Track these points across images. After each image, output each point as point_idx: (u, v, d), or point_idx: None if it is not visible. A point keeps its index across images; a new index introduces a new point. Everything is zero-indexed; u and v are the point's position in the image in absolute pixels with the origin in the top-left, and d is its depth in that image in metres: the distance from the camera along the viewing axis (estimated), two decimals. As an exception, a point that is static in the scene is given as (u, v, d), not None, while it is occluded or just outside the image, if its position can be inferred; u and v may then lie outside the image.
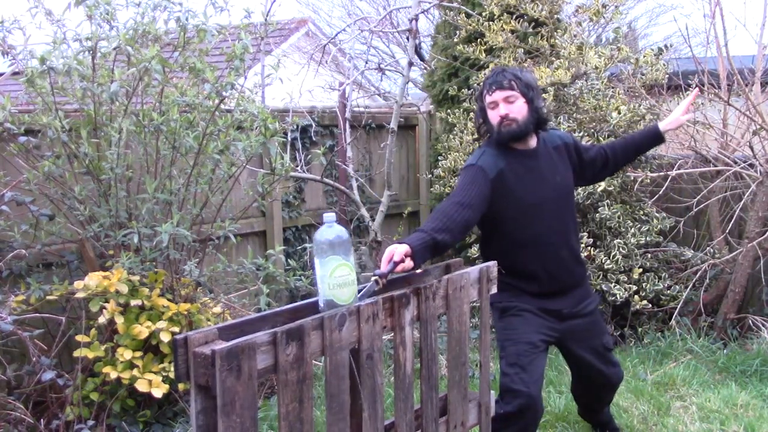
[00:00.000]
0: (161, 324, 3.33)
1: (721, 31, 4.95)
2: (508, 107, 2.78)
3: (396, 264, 2.26)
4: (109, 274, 3.32)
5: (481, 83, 2.91)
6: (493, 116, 2.82)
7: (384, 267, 2.24)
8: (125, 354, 3.27)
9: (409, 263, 2.29)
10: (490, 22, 5.25)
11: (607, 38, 5.77)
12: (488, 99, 2.82)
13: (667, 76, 5.03)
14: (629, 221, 4.90)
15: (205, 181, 3.74)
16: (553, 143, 2.99)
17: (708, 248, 5.02)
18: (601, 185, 4.72)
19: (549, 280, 2.90)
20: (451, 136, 5.52)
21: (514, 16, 5.26)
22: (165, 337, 3.30)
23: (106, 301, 3.30)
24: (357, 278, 2.11)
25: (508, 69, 2.83)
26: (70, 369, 3.46)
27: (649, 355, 4.65)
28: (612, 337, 3.24)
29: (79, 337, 3.29)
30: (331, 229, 2.04)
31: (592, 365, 3.11)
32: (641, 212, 5.03)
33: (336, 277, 2.01)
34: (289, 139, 4.59)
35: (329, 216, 2.06)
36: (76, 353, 3.26)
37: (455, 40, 5.55)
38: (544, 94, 4.92)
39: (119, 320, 3.28)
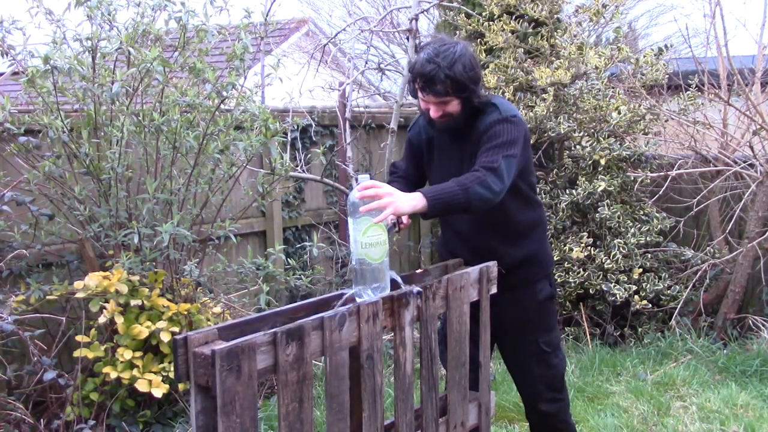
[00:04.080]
0: (161, 324, 3.33)
1: (721, 31, 4.95)
2: (442, 108, 2.56)
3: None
4: (109, 274, 3.31)
5: (413, 67, 2.57)
6: (424, 107, 2.61)
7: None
8: (125, 354, 3.27)
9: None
10: (490, 23, 5.25)
11: (607, 38, 5.78)
12: (420, 95, 2.57)
13: (667, 76, 5.04)
14: (629, 221, 4.90)
15: (206, 181, 3.74)
16: (480, 127, 2.62)
17: (708, 248, 5.02)
18: (601, 185, 4.72)
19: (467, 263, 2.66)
20: (451, 136, 5.51)
21: (514, 16, 5.27)
22: (165, 337, 3.30)
23: (106, 301, 3.30)
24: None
25: (442, 66, 2.45)
26: (70, 369, 3.45)
27: (649, 355, 4.65)
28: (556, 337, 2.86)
29: (79, 337, 3.29)
30: None
31: (524, 364, 2.83)
32: (641, 212, 5.03)
33: (369, 237, 2.10)
34: (289, 139, 4.58)
35: (363, 177, 2.15)
36: (76, 353, 3.26)
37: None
38: (544, 95, 4.92)
39: (119, 320, 3.28)
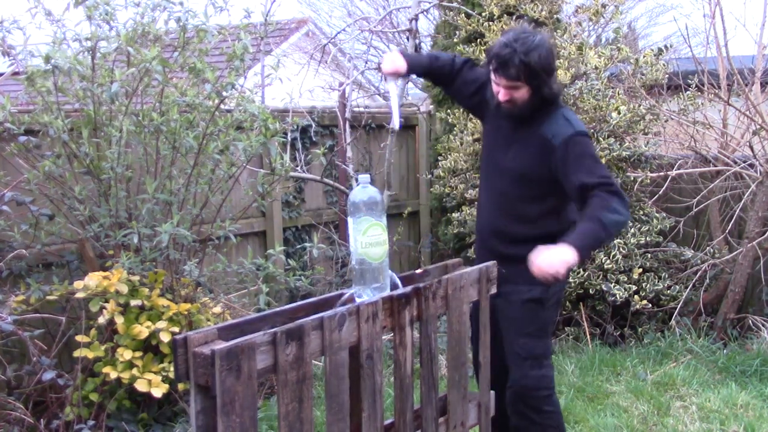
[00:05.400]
0: (161, 324, 3.33)
1: (721, 31, 4.95)
2: (511, 93, 2.64)
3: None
4: (109, 274, 3.31)
5: (491, 49, 2.68)
6: (495, 90, 2.71)
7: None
8: (125, 354, 3.27)
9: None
10: (490, 23, 5.25)
11: (606, 38, 5.77)
12: (493, 76, 2.68)
13: (667, 76, 5.03)
14: (629, 221, 4.90)
15: (205, 181, 3.74)
16: (545, 130, 2.68)
17: (708, 248, 5.02)
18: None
19: (479, 243, 2.96)
20: (450, 137, 5.52)
21: (514, 17, 5.26)
22: (165, 337, 3.30)
23: (106, 301, 3.30)
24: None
25: (518, 51, 2.53)
26: (70, 369, 3.45)
27: (649, 355, 4.65)
28: (537, 345, 2.79)
29: (79, 337, 3.29)
30: (365, 190, 2.13)
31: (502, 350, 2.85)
32: (641, 212, 5.03)
33: (369, 236, 2.10)
34: (289, 139, 4.59)
35: (364, 177, 2.15)
36: (76, 353, 3.26)
37: (455, 40, 5.55)
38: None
39: (119, 320, 3.28)
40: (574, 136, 2.65)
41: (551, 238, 2.62)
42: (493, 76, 2.68)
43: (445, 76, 3.01)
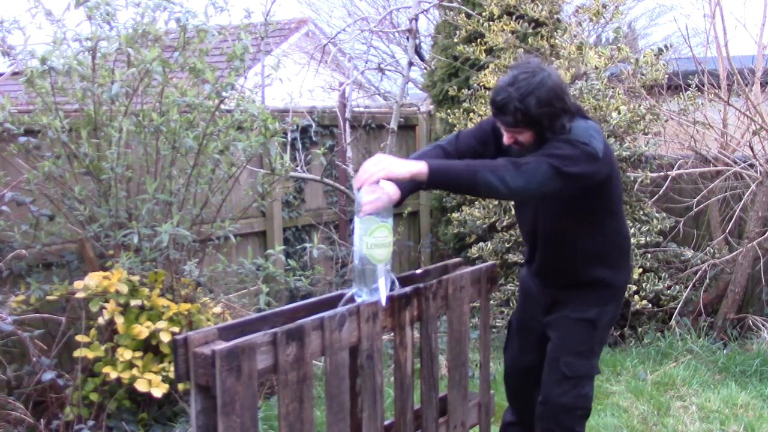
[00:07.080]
0: (161, 324, 3.33)
1: (721, 31, 4.95)
2: (514, 136, 2.43)
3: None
4: (109, 274, 3.31)
5: (489, 98, 2.44)
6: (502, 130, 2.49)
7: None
8: (125, 354, 3.27)
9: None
10: (490, 23, 5.25)
11: (607, 38, 5.77)
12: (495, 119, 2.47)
13: (667, 76, 5.03)
14: (629, 221, 4.90)
15: (205, 182, 3.74)
16: None
17: (708, 248, 5.02)
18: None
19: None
20: (451, 137, 5.51)
21: (514, 17, 5.26)
22: (165, 337, 3.30)
23: (106, 301, 3.30)
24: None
25: (513, 97, 2.30)
26: (70, 369, 3.45)
27: (649, 355, 4.65)
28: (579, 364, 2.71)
29: (79, 337, 3.29)
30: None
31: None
32: (641, 212, 5.02)
33: (375, 237, 2.08)
34: (289, 139, 4.58)
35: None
36: (76, 353, 3.25)
37: (455, 40, 5.54)
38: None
39: (119, 320, 3.28)
40: (554, 138, 2.40)
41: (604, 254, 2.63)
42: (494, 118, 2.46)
43: None
